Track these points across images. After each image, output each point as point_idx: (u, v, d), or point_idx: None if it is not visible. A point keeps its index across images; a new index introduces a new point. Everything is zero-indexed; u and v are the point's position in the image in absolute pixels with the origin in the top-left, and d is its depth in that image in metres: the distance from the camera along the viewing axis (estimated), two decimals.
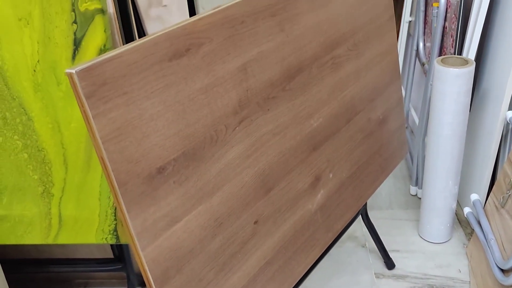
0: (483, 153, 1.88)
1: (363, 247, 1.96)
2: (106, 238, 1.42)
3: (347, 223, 1.48)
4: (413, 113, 2.51)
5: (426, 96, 2.07)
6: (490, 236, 1.65)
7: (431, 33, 2.14)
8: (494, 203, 1.71)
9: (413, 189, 2.21)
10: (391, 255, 1.86)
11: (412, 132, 2.50)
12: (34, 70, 1.28)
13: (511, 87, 1.70)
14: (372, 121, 1.53)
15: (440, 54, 2.05)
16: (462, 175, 2.00)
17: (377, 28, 1.50)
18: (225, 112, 1.01)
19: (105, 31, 1.25)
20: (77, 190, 1.37)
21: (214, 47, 0.97)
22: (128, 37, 1.46)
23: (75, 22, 1.24)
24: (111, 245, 1.69)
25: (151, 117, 0.87)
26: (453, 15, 1.91)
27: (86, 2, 1.23)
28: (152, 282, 0.90)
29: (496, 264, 1.57)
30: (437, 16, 2.01)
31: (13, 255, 1.73)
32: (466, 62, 1.71)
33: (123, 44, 1.37)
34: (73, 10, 1.23)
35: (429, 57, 2.19)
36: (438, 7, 2.00)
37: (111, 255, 1.72)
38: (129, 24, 1.46)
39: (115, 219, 1.39)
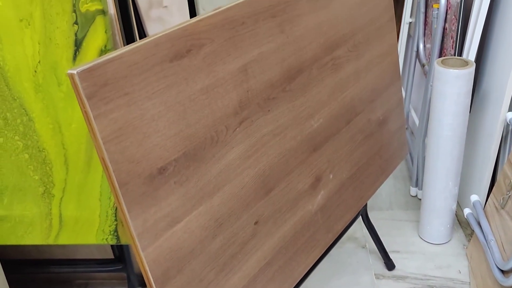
0: (483, 154, 1.88)
1: (363, 248, 1.96)
2: (106, 239, 1.42)
3: (347, 224, 1.48)
4: (413, 114, 2.52)
5: (426, 97, 2.07)
6: (490, 237, 1.65)
7: (431, 34, 2.14)
8: (494, 204, 1.71)
9: (413, 190, 2.21)
10: (391, 256, 1.86)
11: (412, 133, 2.50)
12: (35, 71, 1.28)
13: (511, 88, 1.70)
14: (372, 122, 1.53)
15: (440, 55, 2.05)
16: (462, 176, 2.00)
17: (377, 29, 1.50)
18: (225, 112, 1.01)
19: (106, 32, 1.25)
20: (78, 191, 1.37)
21: (215, 48, 0.97)
22: (128, 38, 1.46)
23: (76, 23, 1.24)
24: (112, 246, 1.69)
25: (152, 117, 0.87)
26: (453, 17, 1.91)
27: (87, 3, 1.23)
28: (153, 282, 0.90)
29: (496, 265, 1.57)
30: (437, 18, 2.01)
31: (13, 256, 1.73)
32: (466, 63, 1.71)
33: (124, 45, 1.37)
34: (74, 11, 1.23)
35: (429, 58, 2.19)
36: (438, 8, 2.00)
37: (111, 256, 1.72)
38: (130, 25, 1.47)
39: (116, 220, 1.39)
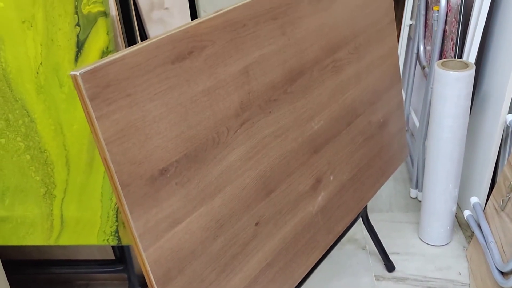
0: (483, 156, 1.88)
1: (364, 249, 1.96)
2: (107, 240, 1.42)
3: (348, 225, 1.48)
4: (413, 116, 2.52)
5: (427, 99, 2.08)
6: (490, 239, 1.66)
7: (431, 37, 2.15)
8: (494, 206, 1.71)
9: (413, 192, 2.22)
10: (391, 257, 1.86)
11: (413, 135, 2.50)
12: (37, 72, 1.28)
13: (511, 91, 1.71)
14: (373, 124, 1.54)
15: (440, 58, 2.06)
16: (462, 178, 2.00)
17: (377, 32, 1.50)
18: (227, 114, 1.01)
19: (107, 33, 1.26)
20: (79, 192, 1.38)
21: (216, 50, 0.98)
22: (130, 40, 1.47)
23: (78, 24, 1.25)
24: (113, 247, 1.69)
25: (154, 119, 0.88)
26: (454, 19, 1.92)
27: (89, 5, 1.23)
28: (154, 283, 0.90)
29: (496, 266, 1.58)
30: (437, 20, 2.02)
31: (14, 256, 1.74)
32: (466, 65, 1.71)
33: (126, 47, 1.38)
34: (76, 13, 1.24)
35: (429, 60, 2.19)
36: (438, 10, 2.01)
37: (112, 257, 1.72)
38: (131, 27, 1.47)
39: (117, 221, 1.40)
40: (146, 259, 0.89)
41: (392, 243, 1.96)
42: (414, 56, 2.34)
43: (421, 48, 2.29)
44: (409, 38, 2.59)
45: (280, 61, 1.14)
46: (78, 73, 0.76)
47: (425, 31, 2.28)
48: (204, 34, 0.95)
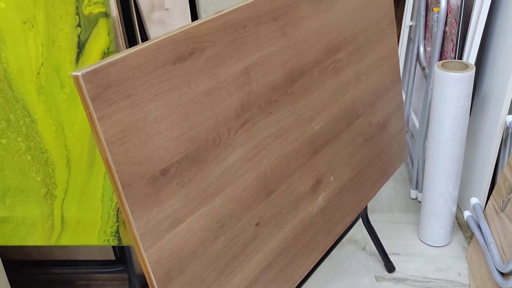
0: (483, 157, 1.89)
1: (364, 250, 1.97)
2: (108, 240, 1.42)
3: (348, 226, 1.49)
4: (413, 117, 2.52)
5: (427, 100, 2.08)
6: (490, 239, 1.66)
7: (431, 38, 2.15)
8: (494, 207, 1.72)
9: (413, 193, 2.22)
10: (391, 258, 1.87)
11: (413, 136, 2.51)
12: (38, 73, 1.29)
13: (511, 92, 1.71)
14: (373, 125, 1.54)
15: (440, 59, 2.06)
16: (462, 178, 2.01)
17: (378, 33, 1.51)
18: (227, 115, 1.02)
19: (108, 34, 1.26)
20: (80, 192, 1.38)
21: (217, 51, 0.98)
22: (131, 41, 1.47)
23: (79, 25, 1.25)
24: (113, 247, 1.69)
25: (155, 119, 0.88)
26: (454, 20, 1.92)
27: (90, 6, 1.24)
28: (155, 283, 0.91)
29: (496, 267, 1.58)
30: (437, 21, 2.02)
31: (15, 256, 1.74)
32: (466, 66, 1.72)
33: (126, 48, 1.38)
34: (77, 14, 1.24)
35: (429, 61, 2.20)
36: (438, 12, 2.01)
37: (112, 257, 1.72)
38: (132, 28, 1.48)
39: (117, 221, 1.40)
40: (147, 259, 0.89)
41: (392, 244, 1.96)
42: (414, 57, 2.34)
43: (421, 49, 2.30)
44: (409, 39, 2.59)
45: (281, 62, 1.14)
46: (80, 74, 0.77)
47: (425, 32, 2.29)
48: (205, 35, 0.96)
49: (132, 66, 0.84)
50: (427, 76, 2.16)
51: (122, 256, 1.61)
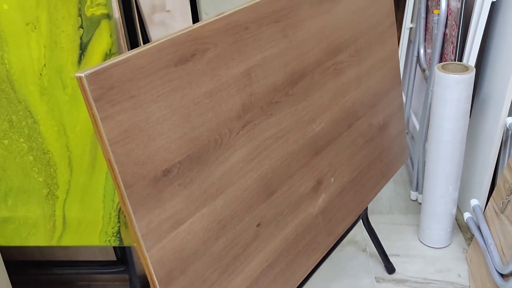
0: (483, 158, 1.89)
1: (364, 251, 1.97)
2: (109, 240, 1.43)
3: (348, 227, 1.49)
4: (413, 118, 2.53)
5: (427, 102, 2.08)
6: (489, 241, 1.66)
7: (431, 40, 2.16)
8: (494, 208, 1.72)
9: (413, 194, 2.22)
10: (392, 259, 1.87)
11: (413, 137, 2.51)
12: (40, 74, 1.29)
13: (511, 94, 1.71)
14: (373, 127, 1.55)
15: (440, 61, 2.07)
16: (462, 180, 2.01)
17: (378, 35, 1.51)
18: (229, 116, 1.02)
19: (111, 35, 1.27)
20: (82, 193, 1.38)
21: (218, 52, 0.99)
22: (132, 42, 1.48)
23: (81, 27, 1.26)
24: (114, 248, 1.70)
25: (157, 120, 0.88)
26: (454, 22, 1.93)
27: (92, 7, 1.24)
28: (157, 283, 0.91)
29: (495, 269, 1.58)
30: (437, 23, 2.03)
31: (16, 257, 1.74)
32: (466, 68, 1.72)
33: (128, 49, 1.39)
34: (80, 15, 1.25)
35: (429, 63, 2.20)
36: (439, 14, 2.02)
37: (113, 258, 1.73)
38: (134, 29, 1.48)
39: (119, 222, 1.41)
40: (149, 259, 0.89)
41: (392, 245, 1.97)
42: (415, 59, 2.35)
43: (422, 51, 2.30)
44: (410, 41, 2.60)
45: (282, 64, 1.15)
46: (83, 75, 0.77)
47: (425, 34, 2.29)
48: (207, 37, 0.96)
49: (135, 68, 0.84)
50: (427, 78, 2.17)
51: (123, 257, 1.62)
